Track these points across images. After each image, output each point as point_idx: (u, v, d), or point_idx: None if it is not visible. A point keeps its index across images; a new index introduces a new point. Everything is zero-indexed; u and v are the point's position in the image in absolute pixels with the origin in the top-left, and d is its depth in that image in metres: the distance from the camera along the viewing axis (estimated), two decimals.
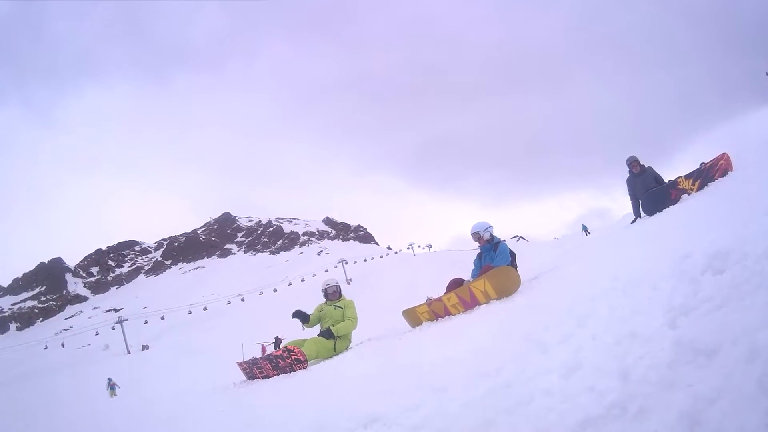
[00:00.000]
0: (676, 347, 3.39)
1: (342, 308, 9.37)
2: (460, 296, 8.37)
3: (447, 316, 8.42)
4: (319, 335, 9.14)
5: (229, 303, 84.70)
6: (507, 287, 7.94)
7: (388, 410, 3.68)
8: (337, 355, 8.79)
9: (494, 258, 8.80)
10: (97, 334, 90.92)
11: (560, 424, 3.09)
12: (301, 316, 9.46)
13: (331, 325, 9.13)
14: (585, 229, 37.23)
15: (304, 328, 9.74)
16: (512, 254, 8.79)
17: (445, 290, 8.96)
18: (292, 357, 8.39)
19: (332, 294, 9.68)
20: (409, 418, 3.53)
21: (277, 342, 10.27)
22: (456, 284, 8.84)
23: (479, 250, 9.25)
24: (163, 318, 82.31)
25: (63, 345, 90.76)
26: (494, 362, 3.99)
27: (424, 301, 9.04)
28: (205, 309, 79.84)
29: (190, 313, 79.75)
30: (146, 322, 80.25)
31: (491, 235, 9.08)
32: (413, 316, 8.99)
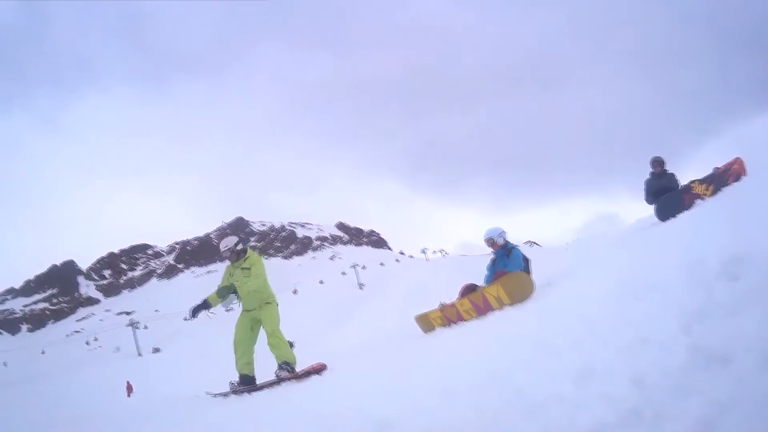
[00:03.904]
0: (689, 354, 3.36)
1: (249, 268, 7.67)
2: (473, 302, 8.36)
3: (460, 322, 8.41)
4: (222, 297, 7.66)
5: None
6: (520, 293, 7.89)
7: (399, 415, 3.63)
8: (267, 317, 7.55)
9: (507, 264, 8.77)
10: (96, 340, 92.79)
11: (573, 430, 3.08)
12: (200, 307, 7.82)
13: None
14: None
15: (211, 314, 8.00)
16: (525, 260, 8.76)
17: (458, 296, 8.95)
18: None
19: (232, 256, 7.88)
20: (420, 422, 3.49)
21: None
22: (469, 290, 8.84)
23: (492, 256, 9.23)
24: (184, 319, 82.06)
25: (73, 346, 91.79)
26: (506, 367, 3.94)
27: (437, 307, 9.04)
28: (213, 313, 79.99)
29: (185, 319, 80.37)
30: (147, 328, 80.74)
31: (505, 240, 9.04)
32: (426, 322, 9.00)
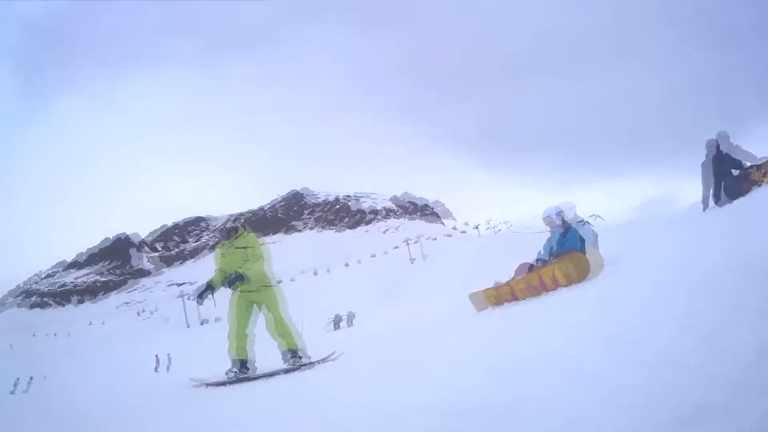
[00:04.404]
0: (758, 348, 3.34)
1: (244, 248, 7.22)
2: (529, 281, 8.27)
3: (514, 301, 8.33)
4: (229, 286, 7.13)
5: (293, 280, 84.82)
6: (577, 274, 7.78)
7: (449, 403, 3.50)
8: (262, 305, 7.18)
9: (564, 243, 8.66)
10: (153, 311, 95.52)
11: (645, 422, 3.01)
12: (205, 290, 7.37)
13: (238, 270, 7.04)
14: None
15: (212, 296, 7.43)
16: (582, 240, 8.59)
17: (513, 274, 8.87)
18: None
19: (222, 234, 7.64)
20: (490, 407, 3.38)
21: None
22: (525, 269, 8.74)
23: (549, 234, 9.10)
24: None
25: (123, 317, 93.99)
26: (573, 356, 3.82)
27: (492, 285, 9.00)
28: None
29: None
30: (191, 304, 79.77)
31: (563, 219, 8.87)
32: (480, 300, 8.91)
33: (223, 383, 6.64)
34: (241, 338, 6.94)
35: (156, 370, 27.96)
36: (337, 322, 29.25)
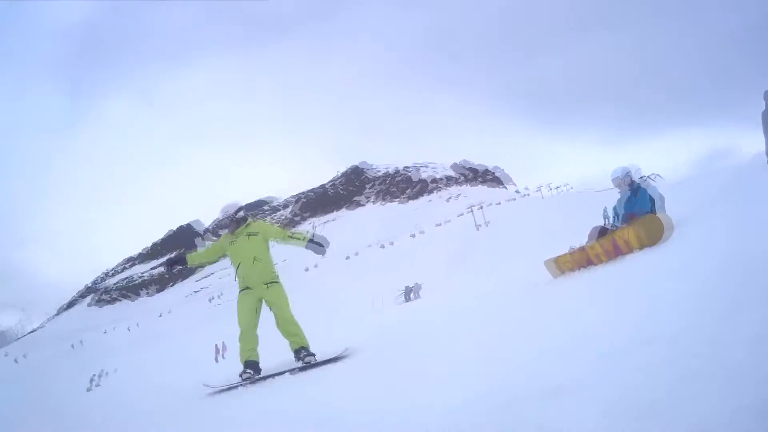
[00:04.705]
0: None
1: (258, 233, 7.19)
2: (604, 246, 8.29)
3: (590, 266, 8.38)
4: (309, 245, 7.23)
5: (357, 254, 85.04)
6: (649, 238, 7.77)
7: (564, 381, 3.14)
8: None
9: (634, 205, 8.64)
10: (219, 295, 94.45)
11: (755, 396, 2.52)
12: (175, 262, 7.61)
13: (293, 237, 7.34)
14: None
15: (174, 270, 7.88)
16: (652, 201, 8.61)
17: (587, 239, 8.91)
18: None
19: (232, 225, 7.38)
20: (592, 387, 2.99)
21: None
22: (599, 233, 8.77)
23: (619, 195, 9.10)
24: (307, 270, 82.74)
25: (194, 305, 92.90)
26: (667, 328, 3.47)
27: (567, 251, 9.10)
28: (314, 265, 78.33)
29: (307, 270, 79.68)
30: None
31: (631, 179, 8.86)
32: (556, 266, 9.02)
33: (236, 386, 6.52)
34: (251, 340, 6.78)
35: (216, 359, 27.54)
36: (407, 294, 29.49)
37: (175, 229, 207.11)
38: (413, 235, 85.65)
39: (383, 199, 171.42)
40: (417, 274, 35.29)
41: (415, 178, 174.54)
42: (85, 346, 72.83)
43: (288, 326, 6.83)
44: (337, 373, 6.04)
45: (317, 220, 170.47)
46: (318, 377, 6.05)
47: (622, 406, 2.58)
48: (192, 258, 7.52)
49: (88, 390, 25.96)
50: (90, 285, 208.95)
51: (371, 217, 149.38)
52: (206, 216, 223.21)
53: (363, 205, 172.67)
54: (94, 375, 29.41)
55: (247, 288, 6.95)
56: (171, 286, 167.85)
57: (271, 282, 6.98)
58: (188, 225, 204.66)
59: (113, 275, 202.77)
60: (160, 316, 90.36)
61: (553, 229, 30.83)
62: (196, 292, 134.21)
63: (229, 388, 6.54)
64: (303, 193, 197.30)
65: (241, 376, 6.61)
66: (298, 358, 6.74)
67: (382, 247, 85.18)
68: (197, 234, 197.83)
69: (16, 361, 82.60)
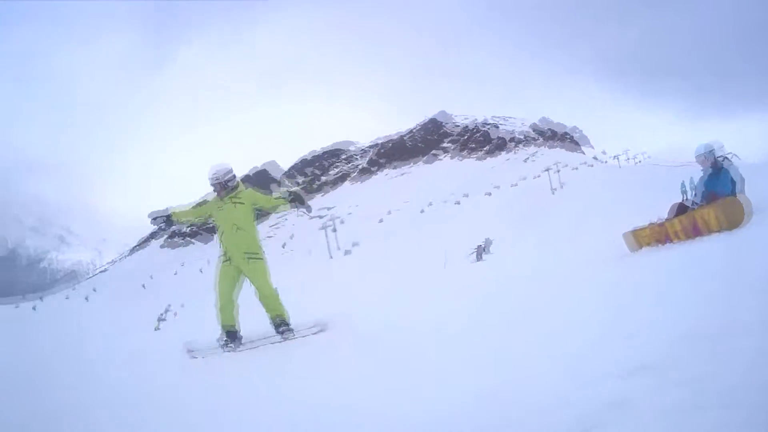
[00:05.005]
0: None
1: (244, 202, 6.97)
2: (683, 223, 8.22)
3: (668, 243, 8.33)
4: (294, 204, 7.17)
5: (431, 204, 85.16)
6: (730, 221, 7.64)
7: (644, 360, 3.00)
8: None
9: (716, 184, 8.52)
10: (292, 240, 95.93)
11: None
12: (160, 220, 7.39)
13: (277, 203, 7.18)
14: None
15: (163, 227, 7.62)
16: (733, 183, 8.43)
17: (668, 215, 8.83)
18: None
19: (221, 191, 7.01)
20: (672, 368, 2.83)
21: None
22: (679, 209, 8.69)
23: (701, 173, 8.95)
24: (380, 220, 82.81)
25: (266, 251, 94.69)
26: (745, 316, 3.33)
27: (646, 225, 9.00)
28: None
29: (381, 220, 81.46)
30: (335, 230, 74.29)
31: (715, 158, 8.68)
32: (634, 239, 8.96)
33: (214, 350, 6.65)
34: (227, 307, 6.71)
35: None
36: (479, 254, 29.70)
37: (251, 173, 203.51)
38: (489, 194, 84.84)
39: (460, 154, 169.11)
40: (490, 233, 35.12)
41: (493, 135, 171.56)
42: (154, 286, 75.46)
43: (268, 301, 6.80)
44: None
45: (393, 171, 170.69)
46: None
47: (699, 389, 2.47)
48: (178, 215, 7.31)
49: (156, 329, 27.15)
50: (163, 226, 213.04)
51: (448, 172, 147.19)
52: (284, 159, 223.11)
53: (440, 159, 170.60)
54: (161, 314, 30.82)
55: (228, 260, 6.81)
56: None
57: (254, 256, 6.83)
58: (265, 170, 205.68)
59: None
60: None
61: (629, 199, 30.05)
62: (269, 237, 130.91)
63: (209, 352, 6.66)
64: (380, 142, 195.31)
65: (218, 341, 6.67)
66: (277, 331, 6.77)
67: (457, 203, 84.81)
68: (273, 179, 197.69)
69: (86, 298, 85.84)
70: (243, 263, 6.75)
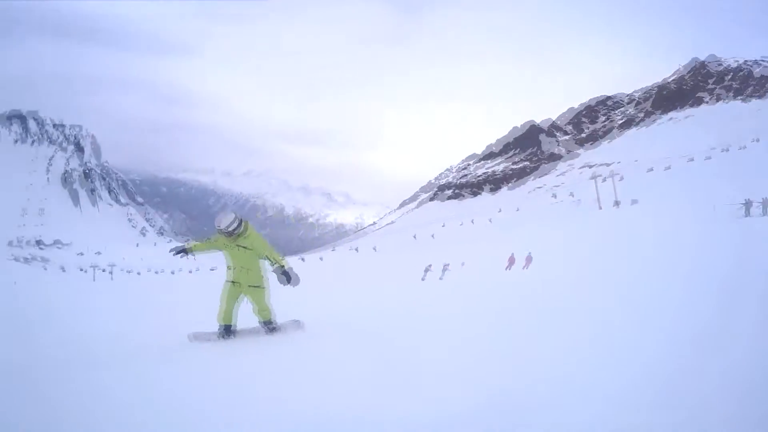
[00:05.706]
0: None
1: (251, 249, 7.44)
2: None
3: None
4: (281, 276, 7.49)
5: (692, 160, 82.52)
6: None
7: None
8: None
9: None
10: (559, 191, 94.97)
11: None
12: (179, 251, 7.90)
13: (274, 263, 7.52)
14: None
15: (186, 256, 8.04)
16: None
17: None
18: None
19: (231, 234, 7.27)
20: None
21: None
22: None
23: None
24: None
25: (536, 201, 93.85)
26: None
27: None
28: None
29: (617, 177, 70.94)
30: (605, 180, 72.39)
31: None
32: None
33: (209, 338, 7.29)
34: (228, 315, 7.42)
35: (507, 269, 26.33)
36: (746, 208, 28.91)
37: (521, 126, 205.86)
38: (757, 140, 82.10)
39: (728, 97, 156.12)
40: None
41: (757, 74, 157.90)
42: (421, 239, 73.99)
43: (263, 314, 7.53)
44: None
45: (662, 117, 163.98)
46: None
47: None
48: (195, 248, 7.80)
49: (422, 279, 26.91)
50: (432, 181, 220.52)
51: (708, 118, 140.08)
52: (552, 112, 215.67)
53: (707, 103, 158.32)
54: (428, 266, 29.97)
55: (233, 282, 7.43)
56: (515, 181, 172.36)
57: (257, 286, 7.47)
58: (534, 123, 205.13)
59: (457, 171, 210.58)
60: (500, 211, 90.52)
61: None
62: (539, 188, 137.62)
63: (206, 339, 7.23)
64: (644, 89, 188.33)
65: (217, 332, 7.41)
66: (265, 329, 7.56)
67: (725, 150, 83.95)
68: (542, 131, 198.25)
69: (356, 249, 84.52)
70: (247, 290, 7.45)
